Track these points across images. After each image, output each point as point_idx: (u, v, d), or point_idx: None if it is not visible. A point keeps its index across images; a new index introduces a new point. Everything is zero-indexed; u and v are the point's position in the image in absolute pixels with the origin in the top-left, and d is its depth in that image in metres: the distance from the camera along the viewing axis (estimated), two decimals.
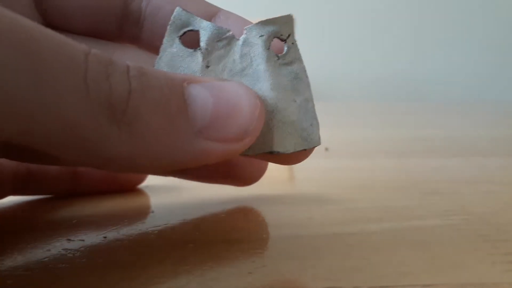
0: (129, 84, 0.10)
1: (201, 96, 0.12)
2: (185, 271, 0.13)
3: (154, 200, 0.20)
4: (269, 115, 0.13)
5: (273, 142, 0.13)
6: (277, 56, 0.14)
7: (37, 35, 0.09)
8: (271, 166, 0.19)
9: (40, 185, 0.19)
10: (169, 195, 0.20)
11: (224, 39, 0.14)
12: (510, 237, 0.15)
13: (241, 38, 0.14)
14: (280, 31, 0.14)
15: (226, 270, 0.13)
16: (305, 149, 0.14)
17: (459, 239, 0.15)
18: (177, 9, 0.14)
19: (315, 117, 0.14)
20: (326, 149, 0.31)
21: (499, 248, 0.14)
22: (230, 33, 0.14)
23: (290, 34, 0.14)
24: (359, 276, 0.12)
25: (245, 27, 0.14)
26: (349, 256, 0.13)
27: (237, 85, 0.12)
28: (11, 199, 0.19)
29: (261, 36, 0.14)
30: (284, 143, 0.14)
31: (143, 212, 0.18)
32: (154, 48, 0.15)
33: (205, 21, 0.14)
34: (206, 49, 0.14)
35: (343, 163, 0.27)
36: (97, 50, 0.10)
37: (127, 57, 0.16)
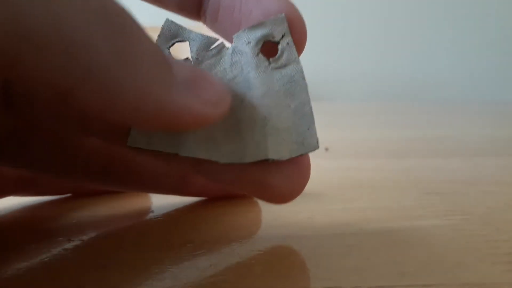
0: (122, 6, 0.11)
1: (178, 62, 0.12)
2: (184, 271, 0.13)
3: (154, 200, 0.20)
4: (262, 123, 0.13)
5: (267, 149, 0.13)
6: (269, 61, 0.14)
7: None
8: None
9: (44, 186, 0.19)
10: (169, 195, 0.20)
11: (213, 48, 0.14)
12: (510, 237, 0.15)
13: (231, 47, 0.14)
14: (271, 33, 0.14)
15: (226, 270, 0.13)
16: (301, 154, 0.14)
17: (459, 239, 0.15)
18: (166, 21, 0.14)
19: (312, 121, 0.14)
20: (326, 149, 0.31)
21: (499, 248, 0.14)
22: (220, 42, 0.14)
23: (284, 35, 0.14)
24: (359, 276, 0.12)
25: (234, 35, 0.14)
26: (349, 256, 0.13)
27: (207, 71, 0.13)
28: (12, 200, 0.19)
29: (248, 43, 0.14)
30: (279, 150, 0.13)
31: (143, 212, 0.18)
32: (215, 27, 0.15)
33: (194, 32, 0.14)
34: (197, 58, 0.14)
35: (343, 163, 0.27)
36: None
37: None
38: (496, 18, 1.14)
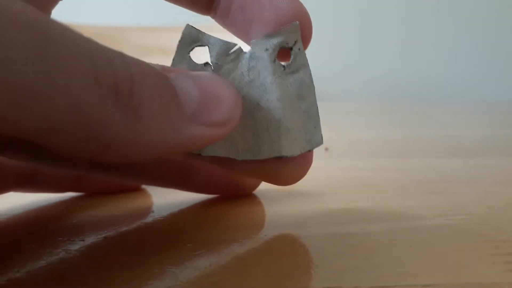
0: (129, 69, 0.11)
1: (186, 84, 0.12)
2: (184, 271, 0.13)
3: (155, 200, 0.20)
4: (277, 124, 0.14)
5: (281, 147, 0.14)
6: (283, 66, 0.15)
7: (44, 18, 0.09)
8: None
9: (45, 182, 0.19)
10: (169, 195, 0.20)
11: (232, 53, 0.15)
12: (510, 237, 0.15)
13: (248, 52, 0.15)
14: (286, 41, 0.15)
15: (226, 270, 0.13)
16: (309, 150, 0.15)
17: (459, 239, 0.15)
18: (187, 26, 0.14)
19: (318, 119, 0.15)
20: (326, 149, 0.31)
21: (499, 248, 0.14)
22: (238, 47, 0.15)
23: (296, 41, 0.15)
24: (359, 276, 0.12)
25: (251, 41, 0.15)
26: (349, 256, 0.13)
27: (213, 76, 0.13)
28: (12, 200, 0.19)
29: (267, 50, 0.14)
30: (292, 148, 0.15)
31: (143, 212, 0.18)
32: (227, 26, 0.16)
33: (213, 36, 0.15)
34: (216, 63, 0.14)
35: (343, 163, 0.27)
36: (91, 38, 0.10)
37: None
38: (496, 18, 1.14)
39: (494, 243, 0.14)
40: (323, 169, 0.25)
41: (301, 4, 0.15)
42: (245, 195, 0.20)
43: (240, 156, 0.14)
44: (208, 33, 0.15)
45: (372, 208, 0.18)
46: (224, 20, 0.15)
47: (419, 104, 0.76)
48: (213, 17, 0.16)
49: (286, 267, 0.13)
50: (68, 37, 0.10)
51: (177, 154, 0.12)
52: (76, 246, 0.14)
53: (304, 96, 0.15)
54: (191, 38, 0.14)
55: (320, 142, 0.15)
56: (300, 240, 0.15)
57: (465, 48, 1.16)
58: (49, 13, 0.16)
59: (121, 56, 0.11)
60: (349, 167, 0.26)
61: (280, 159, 0.15)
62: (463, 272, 0.12)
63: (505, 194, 0.20)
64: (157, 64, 0.13)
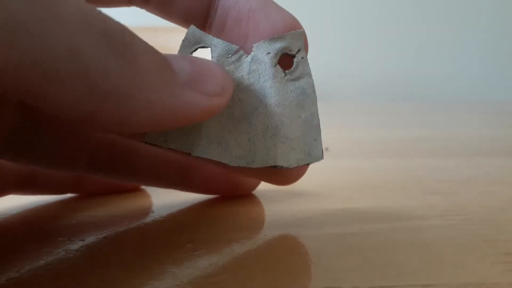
0: (120, 24, 0.11)
1: (177, 59, 0.12)
2: (184, 271, 0.13)
3: (155, 200, 0.20)
4: (274, 130, 0.14)
5: (276, 156, 0.14)
6: (285, 72, 0.14)
7: None
8: None
9: (44, 185, 0.19)
10: (169, 195, 0.20)
11: (233, 55, 0.14)
12: (510, 237, 0.15)
13: (250, 55, 0.14)
14: (289, 47, 0.14)
15: (226, 270, 0.13)
16: (307, 164, 0.15)
17: (459, 239, 0.15)
18: (191, 27, 0.15)
19: (319, 133, 0.15)
20: (326, 149, 0.31)
21: (499, 248, 0.14)
22: (240, 50, 0.15)
23: (300, 49, 0.15)
24: (359, 276, 0.12)
25: (254, 44, 0.14)
26: (349, 256, 0.13)
27: (205, 58, 0.13)
28: (12, 200, 0.19)
29: (268, 53, 0.14)
30: (287, 158, 0.14)
31: (143, 212, 0.18)
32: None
33: (216, 38, 0.15)
34: None
35: (343, 163, 0.27)
36: None
37: None
38: (496, 17, 1.14)
39: (494, 243, 0.14)
40: (323, 169, 0.25)
41: (295, 19, 0.15)
42: (245, 195, 0.20)
43: (233, 162, 0.14)
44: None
45: (372, 208, 0.18)
46: (219, 35, 0.15)
47: (419, 104, 0.76)
48: (208, 33, 0.16)
49: (286, 267, 0.13)
50: None
51: (174, 123, 0.12)
52: (76, 246, 0.14)
53: (305, 106, 0.15)
54: (195, 38, 0.14)
55: (320, 157, 0.15)
56: (300, 240, 0.15)
57: (465, 48, 1.16)
58: None
59: (109, 16, 0.11)
60: (349, 167, 0.26)
61: (274, 168, 0.14)
62: (463, 272, 0.12)
63: (505, 194, 0.20)
64: None
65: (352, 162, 0.28)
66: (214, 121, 0.14)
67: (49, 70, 0.09)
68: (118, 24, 0.11)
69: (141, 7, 0.16)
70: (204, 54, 0.15)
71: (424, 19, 1.15)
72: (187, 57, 0.13)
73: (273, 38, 0.14)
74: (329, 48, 1.13)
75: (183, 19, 0.16)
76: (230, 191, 0.19)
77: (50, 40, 0.09)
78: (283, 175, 0.15)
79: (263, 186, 0.20)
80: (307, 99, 0.15)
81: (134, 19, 0.18)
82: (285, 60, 0.15)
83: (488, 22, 1.15)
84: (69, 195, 0.20)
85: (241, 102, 0.14)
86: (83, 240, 0.15)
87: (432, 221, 0.16)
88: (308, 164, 0.15)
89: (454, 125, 0.48)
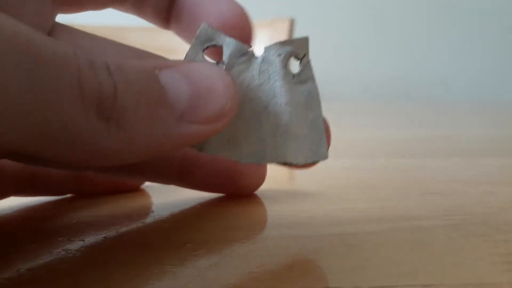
0: (113, 80, 0.11)
1: (176, 81, 0.12)
2: (184, 271, 0.13)
3: (155, 200, 0.20)
4: (284, 128, 0.15)
5: (286, 153, 0.15)
6: (293, 75, 0.15)
7: (36, 38, 0.10)
8: (272, 166, 0.19)
9: (44, 186, 0.19)
10: (169, 195, 0.20)
11: (244, 55, 0.15)
12: (510, 237, 0.15)
13: (261, 55, 0.15)
14: (296, 51, 0.15)
15: (226, 270, 0.13)
16: (314, 162, 0.15)
17: (459, 239, 0.15)
18: (203, 25, 0.15)
19: (323, 133, 0.15)
20: None
21: (499, 248, 0.14)
22: (251, 50, 0.15)
23: (305, 54, 0.15)
24: (359, 276, 0.12)
25: (265, 46, 0.15)
26: (349, 256, 0.13)
27: (207, 64, 0.13)
28: (12, 200, 0.19)
29: (279, 55, 0.15)
30: (297, 155, 0.15)
31: (143, 212, 0.18)
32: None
33: (228, 37, 0.15)
34: (228, 63, 0.15)
35: (344, 163, 0.27)
36: (79, 49, 0.11)
37: (98, 48, 0.16)
38: (496, 17, 1.14)
39: (494, 243, 0.14)
40: (323, 169, 0.25)
41: (242, 8, 0.16)
42: (246, 195, 0.20)
43: (243, 159, 0.15)
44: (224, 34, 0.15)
45: (372, 208, 0.18)
46: (178, 25, 0.16)
47: (419, 104, 0.76)
48: (171, 24, 0.17)
49: (286, 267, 0.13)
50: (58, 54, 0.10)
51: (171, 152, 0.12)
52: (76, 246, 0.14)
53: (312, 107, 0.15)
54: (207, 36, 0.15)
55: (325, 155, 0.15)
56: (300, 240, 0.15)
57: (465, 49, 1.16)
58: (53, 19, 0.16)
59: (106, 66, 0.11)
60: (349, 167, 0.26)
61: (284, 165, 0.15)
62: (463, 272, 0.12)
63: (505, 194, 0.20)
64: (155, 61, 0.13)
65: (352, 162, 0.28)
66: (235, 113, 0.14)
67: (43, 136, 0.10)
68: (110, 81, 0.11)
69: (117, 8, 0.17)
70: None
71: (425, 19, 1.14)
72: (187, 74, 0.12)
73: (283, 42, 0.15)
74: (329, 48, 1.13)
75: (153, 14, 0.16)
76: (232, 190, 0.19)
77: (46, 115, 0.10)
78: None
79: (263, 186, 0.20)
80: (313, 101, 0.15)
81: (134, 19, 0.18)
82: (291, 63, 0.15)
83: (489, 22, 1.15)
84: (69, 195, 0.20)
85: (252, 101, 0.15)
86: (83, 240, 0.15)
87: (432, 221, 0.16)
88: (314, 163, 0.15)
89: (454, 125, 0.48)
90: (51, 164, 0.17)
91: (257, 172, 0.19)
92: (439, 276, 0.12)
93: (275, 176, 0.23)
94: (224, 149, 0.14)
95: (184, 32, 0.17)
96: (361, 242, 0.15)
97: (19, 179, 0.18)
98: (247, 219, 0.17)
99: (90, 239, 0.15)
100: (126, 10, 0.17)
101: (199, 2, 0.16)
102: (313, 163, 0.15)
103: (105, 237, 0.15)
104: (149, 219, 0.17)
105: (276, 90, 0.15)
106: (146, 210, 0.19)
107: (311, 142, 0.15)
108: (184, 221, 0.17)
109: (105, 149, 0.11)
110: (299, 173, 0.25)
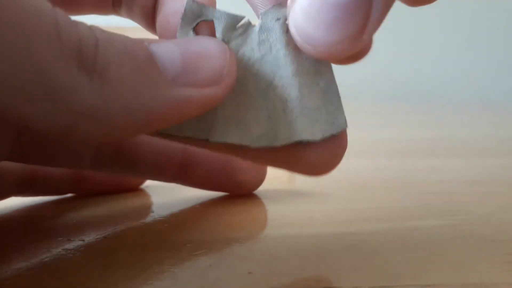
0: (95, 35, 0.10)
1: (167, 49, 0.11)
2: (184, 271, 0.13)
3: (155, 200, 0.20)
4: (293, 102, 0.13)
5: (300, 130, 0.13)
6: None
7: None
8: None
9: (44, 186, 0.19)
10: (169, 195, 0.20)
11: (240, 27, 0.13)
12: (510, 237, 0.15)
13: (258, 24, 0.13)
14: None
15: (226, 270, 0.13)
16: (333, 134, 0.13)
17: (459, 239, 0.15)
18: (188, 1, 0.13)
19: (339, 100, 0.13)
20: None
21: (499, 248, 0.14)
22: (246, 19, 0.13)
23: None
24: (359, 276, 0.12)
25: (260, 12, 0.13)
26: (349, 256, 0.13)
27: (199, 36, 0.12)
28: (12, 200, 0.19)
29: (278, 19, 0.13)
30: (312, 130, 0.13)
31: (143, 212, 0.18)
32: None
33: (218, 10, 0.13)
34: (223, 39, 0.13)
35: (343, 163, 0.27)
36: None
37: None
38: (496, 17, 1.14)
39: (494, 243, 0.14)
40: None
41: None
42: (246, 195, 0.20)
43: (254, 143, 0.13)
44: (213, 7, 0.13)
45: (372, 208, 0.18)
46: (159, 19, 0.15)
47: (420, 104, 0.76)
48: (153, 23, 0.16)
49: (286, 267, 0.13)
50: (31, 3, 0.09)
51: (167, 122, 0.11)
52: (75, 246, 0.14)
53: (322, 73, 0.13)
54: (194, 13, 0.13)
55: (344, 125, 0.13)
56: (300, 240, 0.15)
57: (466, 49, 1.16)
58: None
59: (87, 24, 0.10)
60: (349, 167, 0.26)
61: (300, 144, 0.13)
62: (463, 272, 0.12)
63: (505, 194, 0.20)
64: (145, 38, 0.12)
65: (352, 162, 0.28)
66: (229, 100, 0.13)
67: (17, 89, 0.09)
68: (92, 34, 0.10)
69: (117, 14, 0.16)
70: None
71: (426, 19, 1.15)
72: (180, 45, 0.12)
73: (280, 5, 0.13)
74: None
75: (142, 19, 0.16)
76: (232, 188, 0.19)
77: (18, 60, 0.09)
78: (308, 162, 0.13)
79: (264, 186, 0.20)
80: (322, 66, 0.13)
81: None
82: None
83: (489, 22, 1.15)
84: (69, 195, 0.20)
85: (255, 77, 0.13)
86: (83, 240, 0.15)
87: (432, 221, 0.16)
88: (334, 135, 0.13)
89: (454, 125, 0.48)
90: (57, 163, 0.17)
91: (257, 170, 0.19)
92: (439, 276, 0.12)
93: (275, 176, 0.23)
94: (232, 134, 0.13)
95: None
96: (361, 242, 0.14)
97: (19, 179, 0.18)
98: (247, 219, 0.17)
99: (90, 239, 0.15)
100: (123, 16, 0.16)
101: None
102: (332, 136, 0.13)
103: (105, 237, 0.15)
104: (149, 219, 0.17)
105: (280, 61, 0.13)
106: (146, 210, 0.19)
107: (326, 113, 0.13)
108: (184, 221, 0.17)
109: (90, 106, 0.10)
110: None
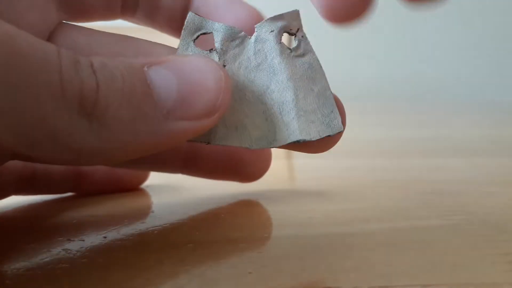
0: (95, 78, 0.11)
1: (164, 77, 0.12)
2: (185, 271, 0.13)
3: (155, 200, 0.20)
4: (290, 104, 0.14)
5: (297, 130, 0.14)
6: (290, 49, 0.15)
7: (13, 33, 0.10)
8: (272, 166, 0.19)
9: (44, 185, 0.19)
10: (170, 195, 0.20)
11: (237, 38, 0.15)
12: (510, 237, 0.15)
13: (253, 36, 0.15)
14: (289, 26, 0.15)
15: (226, 270, 0.13)
16: (329, 135, 0.14)
17: (459, 239, 0.15)
18: (190, 14, 0.14)
19: (334, 104, 0.15)
20: None
21: (499, 248, 0.14)
22: (242, 33, 0.15)
23: (299, 29, 0.15)
24: (359, 276, 0.12)
25: (256, 25, 0.15)
26: (349, 256, 0.13)
27: (199, 59, 0.13)
28: (12, 199, 0.19)
29: (272, 31, 0.14)
30: (309, 131, 0.14)
31: (143, 212, 0.18)
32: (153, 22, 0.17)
33: (217, 23, 0.15)
34: (221, 49, 0.14)
35: (343, 163, 0.27)
36: (64, 48, 0.11)
37: (83, 40, 0.16)
38: (496, 19, 1.14)
39: (494, 243, 0.14)
40: (323, 169, 0.25)
41: (258, 11, 0.16)
42: (246, 195, 0.20)
43: (253, 145, 0.14)
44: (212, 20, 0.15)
45: (372, 208, 0.18)
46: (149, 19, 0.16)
47: (419, 104, 0.76)
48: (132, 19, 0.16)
49: (286, 267, 0.13)
50: (37, 50, 0.10)
51: (162, 149, 0.12)
52: (76, 246, 0.14)
53: (315, 79, 0.15)
54: (195, 25, 0.14)
55: (340, 127, 0.14)
56: (301, 240, 0.15)
57: (465, 49, 1.16)
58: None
59: (90, 64, 0.11)
60: (349, 167, 0.26)
61: (298, 143, 0.14)
62: (463, 272, 0.12)
63: (505, 194, 0.20)
64: (145, 58, 0.12)
65: (352, 162, 0.28)
66: (229, 107, 0.14)
67: (20, 134, 0.10)
68: (93, 78, 0.11)
69: (128, 19, 0.16)
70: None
71: (425, 19, 1.15)
72: (176, 69, 0.12)
73: (273, 17, 0.14)
74: (329, 48, 1.13)
75: (167, 23, 0.16)
76: (237, 177, 0.19)
77: (21, 108, 0.10)
78: (313, 148, 0.14)
79: (264, 187, 0.20)
80: (316, 73, 0.15)
81: None
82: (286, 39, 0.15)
83: (489, 22, 1.15)
84: (69, 194, 0.20)
85: (252, 83, 0.14)
86: (83, 240, 0.15)
87: (432, 221, 0.16)
88: (330, 136, 0.14)
89: (454, 125, 0.48)
90: (60, 160, 0.17)
91: (262, 158, 0.19)
92: (439, 276, 0.12)
93: (275, 176, 0.23)
94: (232, 138, 0.14)
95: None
96: (361, 242, 0.15)
97: (19, 178, 0.18)
98: (247, 219, 0.17)
99: (90, 239, 0.15)
100: (138, 22, 0.17)
101: (214, 9, 0.16)
102: (328, 137, 0.14)
103: (105, 237, 0.15)
104: (149, 219, 0.17)
105: (275, 67, 0.14)
106: (146, 210, 0.19)
107: (321, 116, 0.14)
108: (184, 221, 0.17)
109: (88, 147, 0.11)
110: (299, 173, 0.25)
